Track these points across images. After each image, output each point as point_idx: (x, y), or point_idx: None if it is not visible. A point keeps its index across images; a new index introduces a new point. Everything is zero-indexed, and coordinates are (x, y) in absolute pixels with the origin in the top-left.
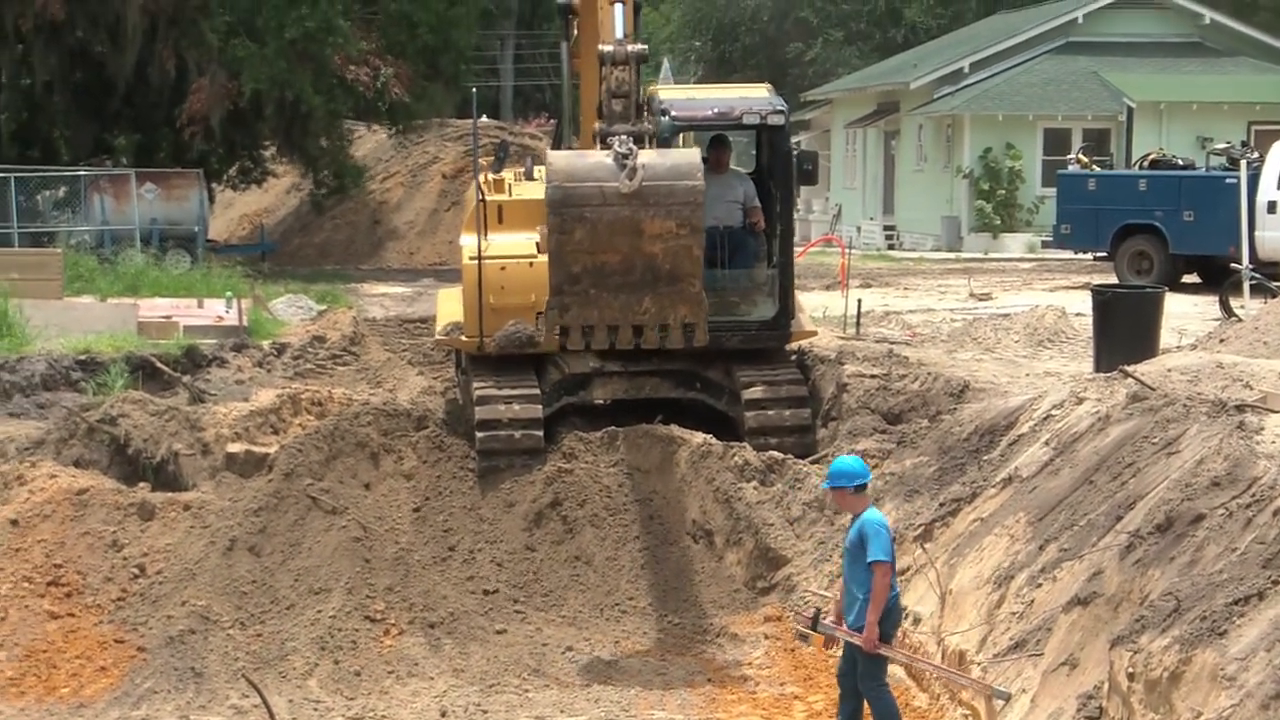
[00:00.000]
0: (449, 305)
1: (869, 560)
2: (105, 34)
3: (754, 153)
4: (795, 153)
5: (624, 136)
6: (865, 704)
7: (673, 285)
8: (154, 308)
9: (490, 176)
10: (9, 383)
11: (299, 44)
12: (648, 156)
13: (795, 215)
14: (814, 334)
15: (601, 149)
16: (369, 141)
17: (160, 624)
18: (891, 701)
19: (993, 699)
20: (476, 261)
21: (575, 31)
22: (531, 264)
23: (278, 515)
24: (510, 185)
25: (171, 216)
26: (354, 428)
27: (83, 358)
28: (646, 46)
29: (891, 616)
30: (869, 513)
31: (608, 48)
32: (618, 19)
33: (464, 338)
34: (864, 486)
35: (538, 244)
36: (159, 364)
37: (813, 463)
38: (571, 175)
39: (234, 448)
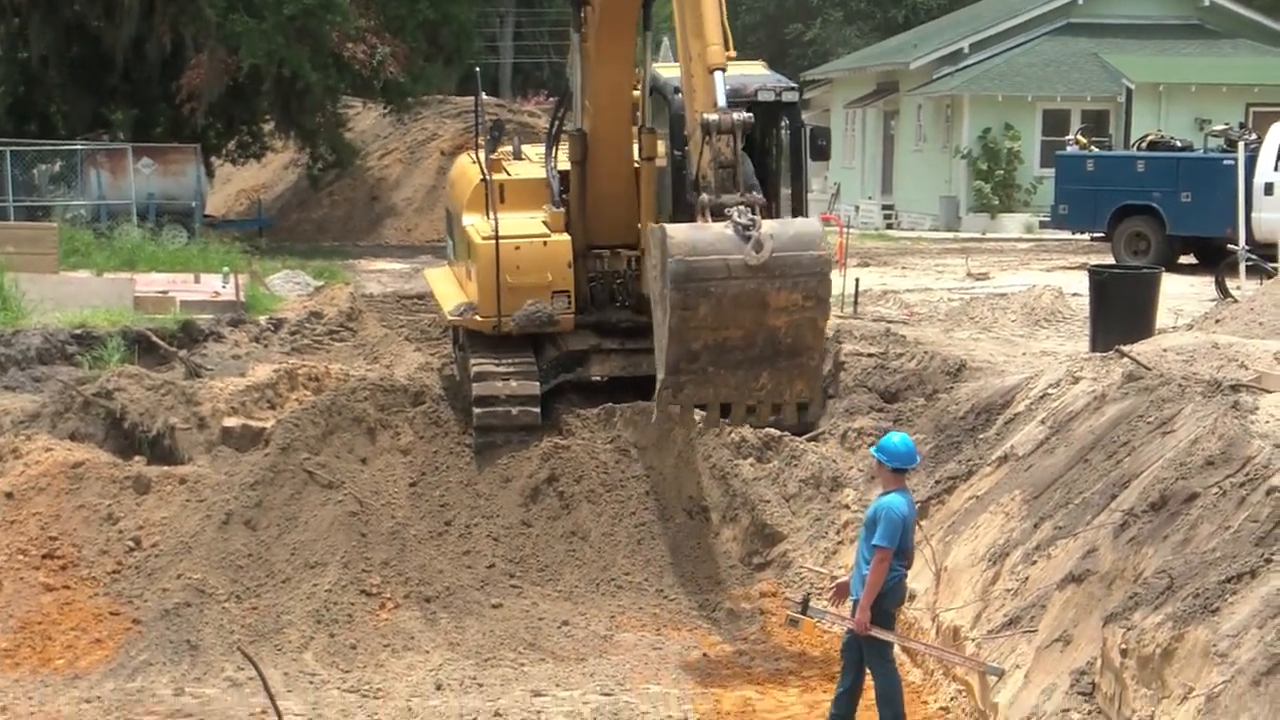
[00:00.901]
0: (446, 285)
1: (873, 542)
2: (101, 8)
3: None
4: (809, 129)
5: (743, 207)
6: (866, 679)
7: (792, 359)
8: (150, 282)
9: (484, 156)
10: (4, 356)
11: (297, 20)
12: (770, 227)
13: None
14: None
15: (712, 220)
16: (367, 118)
17: (155, 597)
18: (896, 679)
19: (986, 675)
20: (492, 242)
21: (587, 20)
22: (545, 243)
23: (274, 489)
24: (506, 166)
25: (168, 191)
26: (351, 403)
27: (78, 332)
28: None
29: (893, 595)
30: (892, 496)
31: (712, 117)
32: (719, 87)
33: (478, 317)
34: (902, 472)
35: (545, 222)
36: (155, 338)
37: (809, 440)
38: (694, 249)
39: (230, 422)
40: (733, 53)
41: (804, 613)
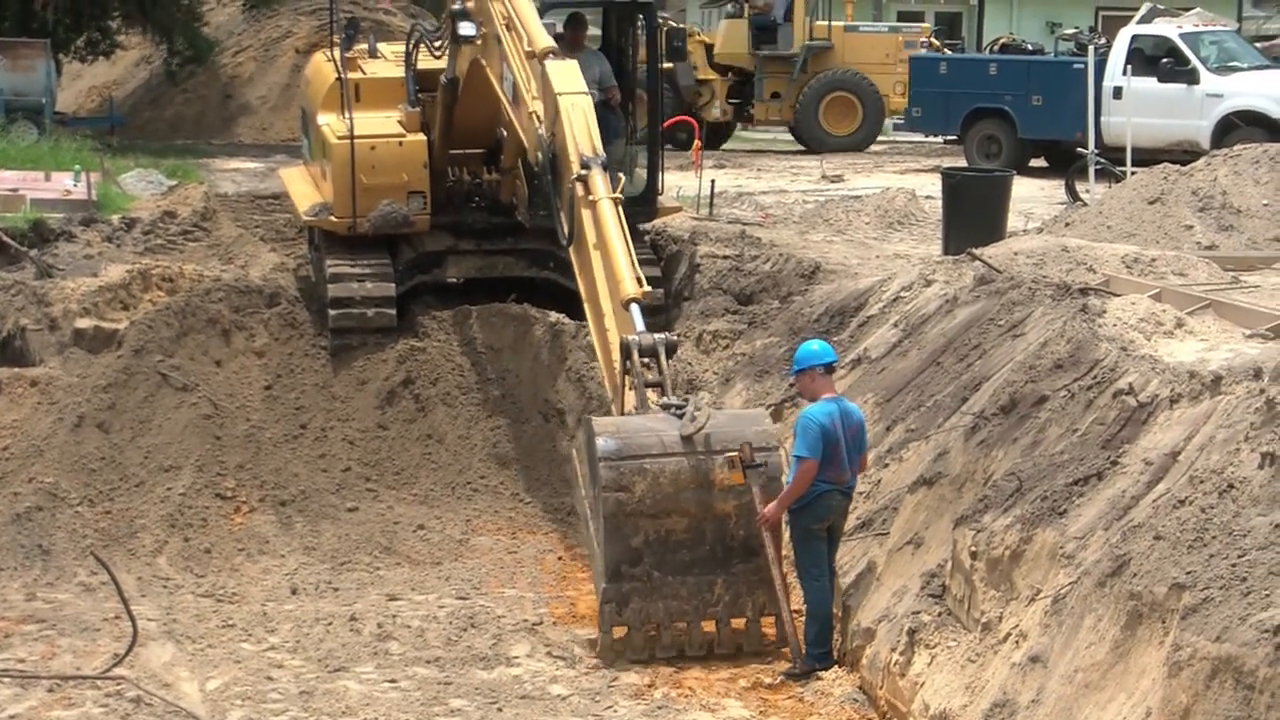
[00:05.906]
0: (301, 185)
1: (793, 453)
2: None
3: (603, 31)
4: (665, 29)
5: (671, 396)
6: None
7: (748, 561)
8: (0, 180)
9: (340, 54)
10: None
11: None
12: (704, 409)
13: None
14: (679, 209)
15: None
16: (220, 14)
17: (6, 501)
18: (821, 595)
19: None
20: (347, 141)
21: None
22: (401, 143)
23: (127, 392)
24: (361, 64)
25: (17, 87)
26: (205, 304)
27: None
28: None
29: (811, 511)
30: (811, 406)
31: (632, 338)
32: (636, 316)
33: (333, 218)
34: (802, 372)
35: (400, 122)
36: (5, 238)
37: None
38: (621, 428)
39: (82, 323)
40: (647, 289)
41: (745, 469)
